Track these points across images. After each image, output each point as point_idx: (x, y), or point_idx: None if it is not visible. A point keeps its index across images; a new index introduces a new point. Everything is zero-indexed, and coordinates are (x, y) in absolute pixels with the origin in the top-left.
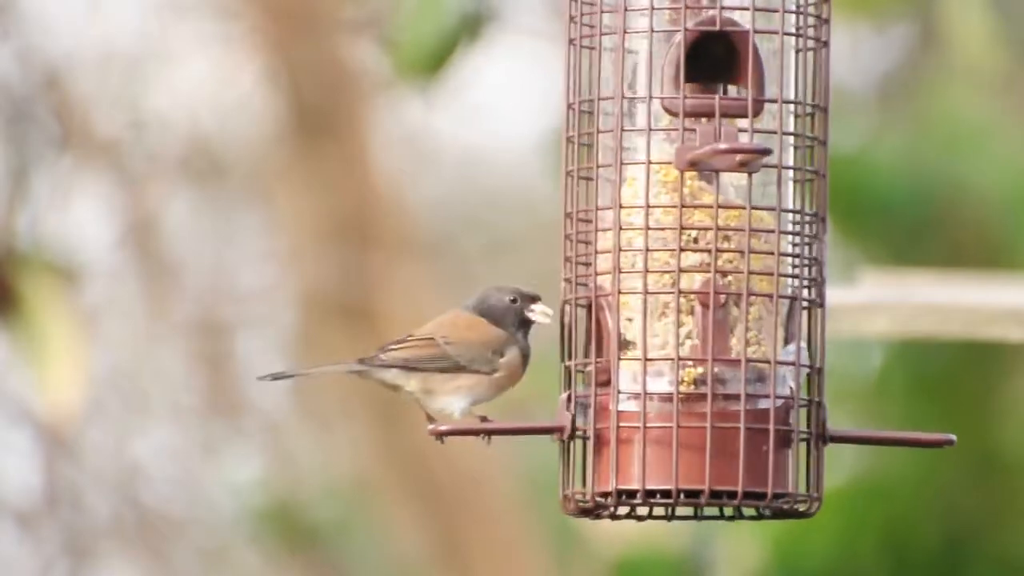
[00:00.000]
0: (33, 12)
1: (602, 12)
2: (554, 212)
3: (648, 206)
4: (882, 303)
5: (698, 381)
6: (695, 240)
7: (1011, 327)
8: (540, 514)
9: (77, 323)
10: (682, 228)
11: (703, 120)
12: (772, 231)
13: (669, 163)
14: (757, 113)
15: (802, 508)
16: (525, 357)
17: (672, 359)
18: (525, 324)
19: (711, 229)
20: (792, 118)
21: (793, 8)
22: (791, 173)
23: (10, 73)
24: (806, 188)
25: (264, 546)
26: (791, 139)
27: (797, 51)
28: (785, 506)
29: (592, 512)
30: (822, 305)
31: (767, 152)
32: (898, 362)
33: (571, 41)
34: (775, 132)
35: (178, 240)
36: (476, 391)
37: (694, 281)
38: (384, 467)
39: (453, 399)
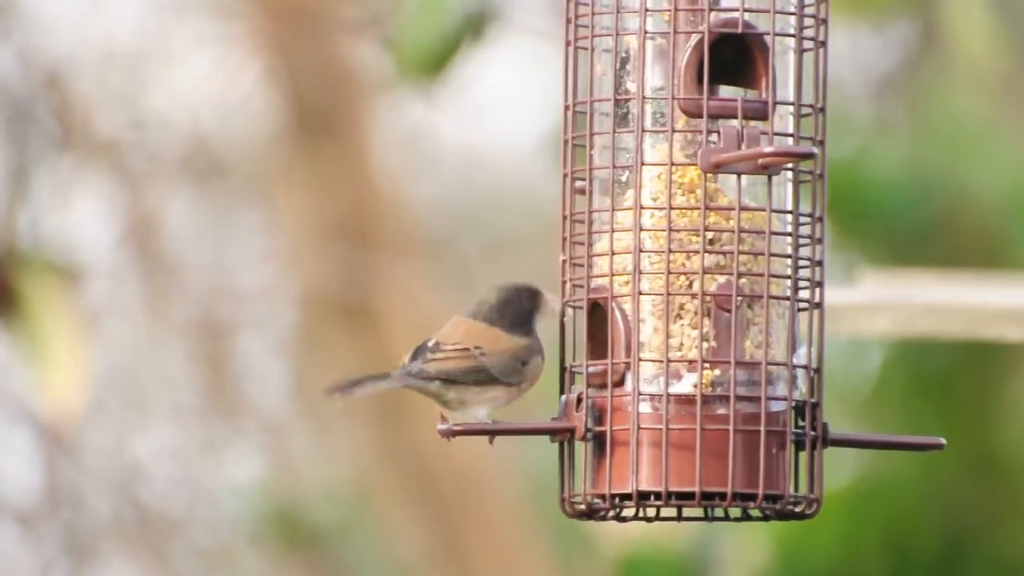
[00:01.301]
0: (33, 12)
1: (618, 11)
2: (554, 212)
3: (670, 207)
4: (882, 303)
5: (715, 383)
6: (711, 242)
7: (1011, 327)
8: (542, 515)
9: (77, 323)
10: (701, 230)
11: (719, 122)
12: (785, 234)
13: (685, 164)
14: (765, 115)
15: (804, 510)
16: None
17: (688, 361)
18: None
19: (727, 231)
20: (791, 119)
21: (791, 9)
22: (789, 174)
23: (10, 73)
24: (809, 189)
25: (264, 546)
26: (790, 140)
27: (796, 52)
28: (789, 507)
29: (596, 514)
30: (821, 306)
31: (812, 155)
32: (898, 362)
33: (571, 42)
34: (784, 134)
35: (178, 240)
36: (501, 401)
37: (710, 283)
38: (384, 468)
39: (481, 409)
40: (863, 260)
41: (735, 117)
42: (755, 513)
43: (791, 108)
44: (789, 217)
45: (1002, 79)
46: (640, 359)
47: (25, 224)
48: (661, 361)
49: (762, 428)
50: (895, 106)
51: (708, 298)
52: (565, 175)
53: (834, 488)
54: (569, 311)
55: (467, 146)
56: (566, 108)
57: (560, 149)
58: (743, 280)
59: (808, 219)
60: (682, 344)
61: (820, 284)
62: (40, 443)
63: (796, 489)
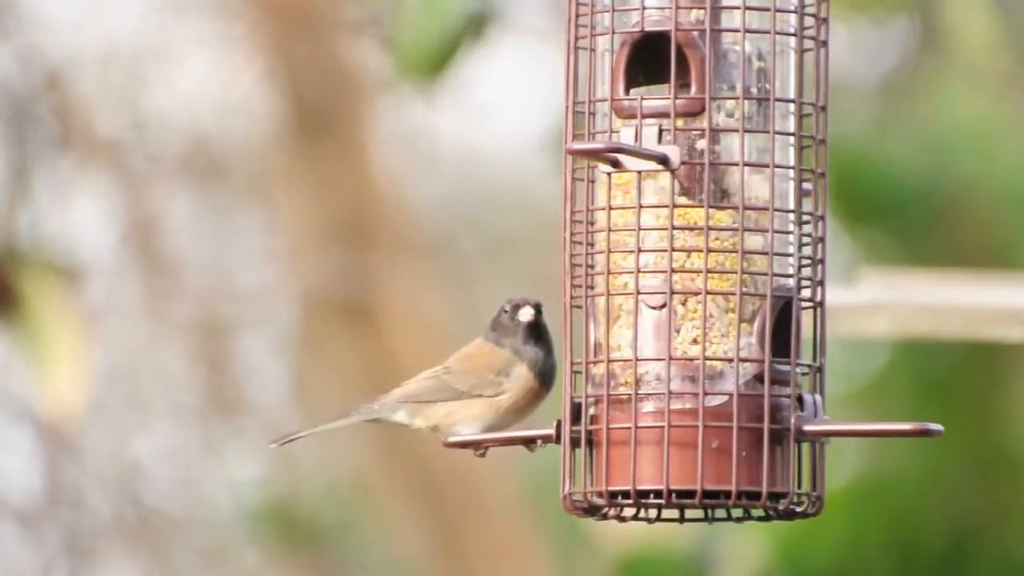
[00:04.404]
0: (33, 12)
1: (613, 11)
2: (554, 212)
3: (588, 208)
4: (882, 303)
5: (639, 382)
6: (655, 241)
7: (1011, 327)
8: (545, 513)
9: (78, 323)
10: (606, 231)
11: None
12: (785, 232)
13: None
14: (700, 111)
15: (787, 507)
16: (542, 372)
17: (621, 361)
18: (530, 332)
19: (664, 229)
20: (792, 117)
21: (791, 8)
22: (790, 172)
23: (10, 73)
24: (813, 187)
25: (264, 546)
26: (786, 139)
27: (797, 51)
28: (771, 504)
29: (589, 512)
30: (822, 304)
31: (618, 150)
32: (901, 362)
33: (570, 43)
34: (783, 132)
35: (178, 240)
36: (484, 419)
37: (649, 282)
38: (384, 467)
39: (460, 429)
40: (866, 257)
41: (664, 116)
42: (739, 513)
43: (790, 105)
44: (784, 215)
45: (1002, 77)
46: (591, 361)
47: (25, 224)
48: (601, 362)
49: (666, 425)
50: (896, 105)
51: (644, 296)
52: (567, 174)
53: (837, 486)
54: (569, 312)
55: (467, 146)
56: (570, 107)
57: (563, 148)
58: (678, 277)
59: (786, 215)
60: (619, 344)
61: (822, 283)
62: (40, 443)
63: (774, 485)
